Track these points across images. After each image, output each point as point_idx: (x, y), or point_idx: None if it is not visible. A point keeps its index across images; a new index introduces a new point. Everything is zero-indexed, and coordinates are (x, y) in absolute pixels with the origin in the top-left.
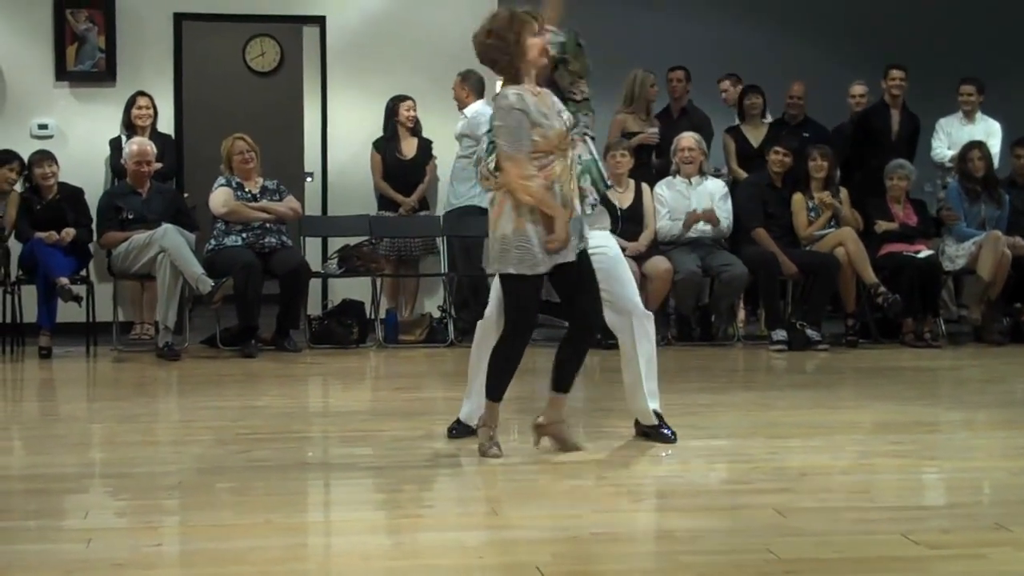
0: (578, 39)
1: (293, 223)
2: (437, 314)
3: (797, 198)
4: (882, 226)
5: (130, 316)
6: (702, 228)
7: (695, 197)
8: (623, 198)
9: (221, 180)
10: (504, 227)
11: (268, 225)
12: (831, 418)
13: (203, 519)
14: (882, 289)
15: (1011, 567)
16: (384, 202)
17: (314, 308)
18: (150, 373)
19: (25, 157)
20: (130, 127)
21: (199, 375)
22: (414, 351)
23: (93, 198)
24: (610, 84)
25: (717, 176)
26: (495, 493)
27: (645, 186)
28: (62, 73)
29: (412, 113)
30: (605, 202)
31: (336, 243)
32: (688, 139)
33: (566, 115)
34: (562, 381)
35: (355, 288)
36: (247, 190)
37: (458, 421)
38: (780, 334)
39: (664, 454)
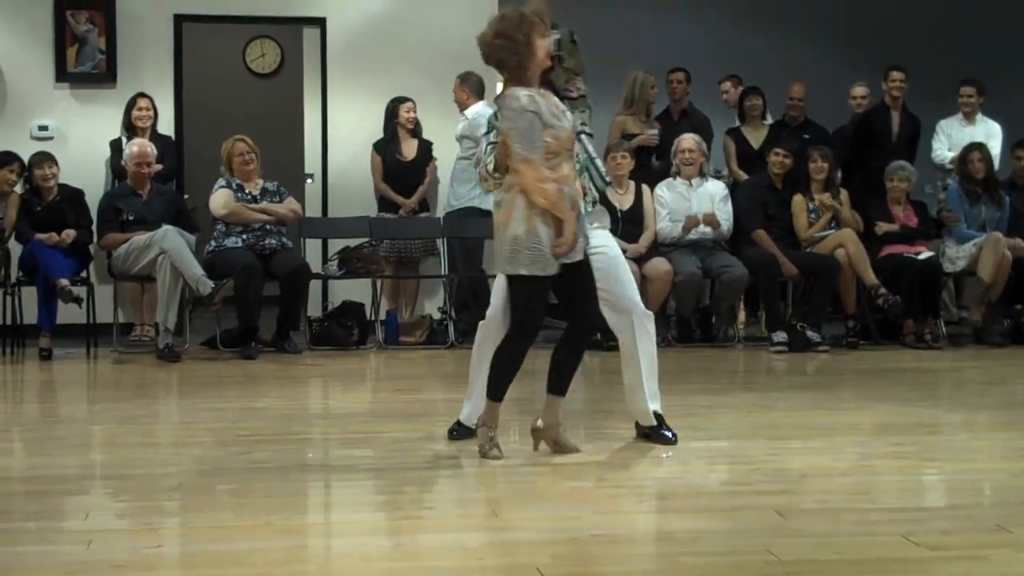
0: (573, 36)
1: (293, 225)
2: (437, 316)
3: (797, 200)
4: (882, 227)
5: (130, 317)
6: (702, 230)
7: (695, 199)
8: (623, 200)
9: (221, 181)
10: (516, 228)
11: (268, 227)
12: (831, 419)
13: (203, 521)
14: (882, 291)
15: (1012, 569)
16: (384, 204)
17: (314, 310)
18: (150, 375)
19: (25, 158)
20: (130, 128)
21: (199, 377)
22: (414, 353)
23: (93, 199)
24: (610, 85)
25: (717, 178)
26: (495, 495)
27: (645, 188)
28: (62, 74)
29: (412, 115)
30: (605, 201)
31: (336, 245)
32: (688, 141)
33: (570, 115)
34: (558, 383)
35: (355, 290)
36: (247, 192)
37: (458, 423)
38: (780, 335)
39: (664, 455)
